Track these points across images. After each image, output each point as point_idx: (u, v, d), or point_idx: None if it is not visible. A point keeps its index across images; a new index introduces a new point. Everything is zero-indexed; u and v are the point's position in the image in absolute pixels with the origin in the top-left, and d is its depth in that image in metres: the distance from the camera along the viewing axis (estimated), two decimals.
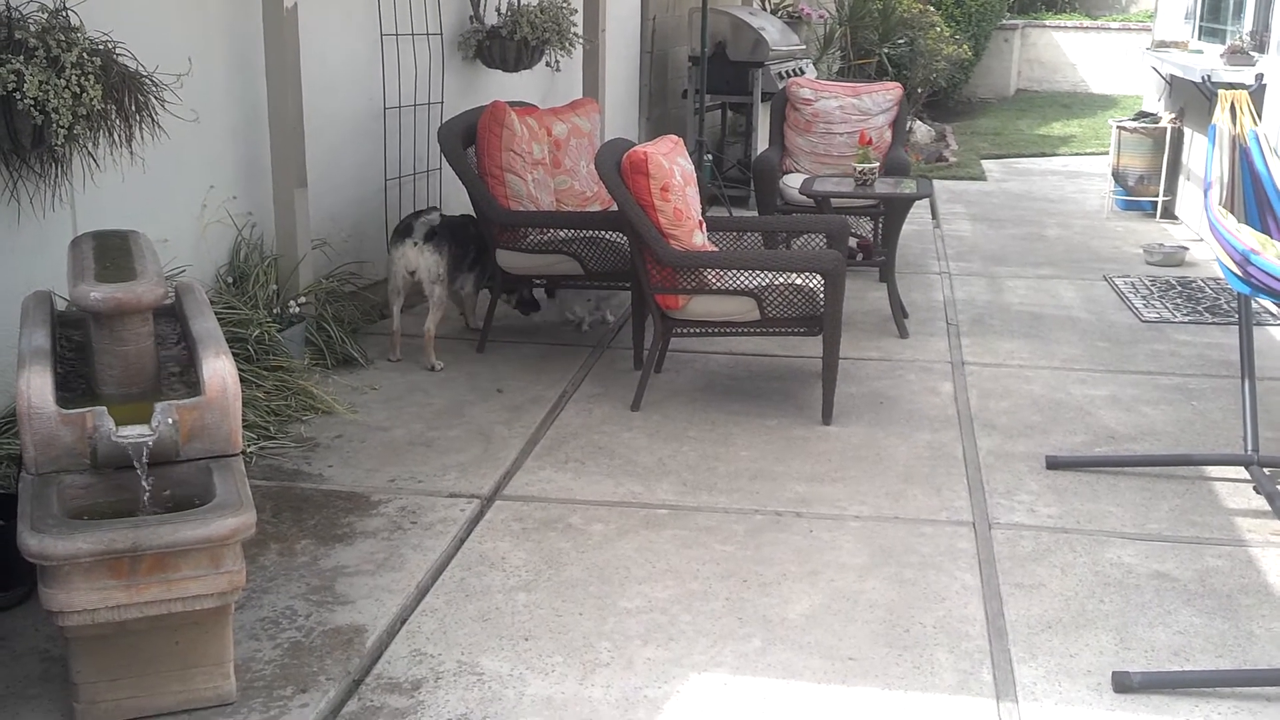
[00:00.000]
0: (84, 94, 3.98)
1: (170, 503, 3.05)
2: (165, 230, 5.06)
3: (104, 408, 2.98)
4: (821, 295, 4.91)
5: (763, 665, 3.25)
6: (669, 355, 5.67)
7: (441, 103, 6.78)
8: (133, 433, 2.94)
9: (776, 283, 4.95)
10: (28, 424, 2.90)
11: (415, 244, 5.46)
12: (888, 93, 7.60)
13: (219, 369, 3.07)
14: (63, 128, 3.93)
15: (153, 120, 4.41)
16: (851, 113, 7.54)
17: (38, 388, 2.91)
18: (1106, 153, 11.56)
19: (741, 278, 4.94)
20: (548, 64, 7.38)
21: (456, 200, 6.63)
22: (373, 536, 3.97)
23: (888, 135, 7.54)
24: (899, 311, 6.25)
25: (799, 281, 4.95)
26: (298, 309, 5.36)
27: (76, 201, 4.61)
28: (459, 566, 3.79)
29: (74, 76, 3.96)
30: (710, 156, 9.11)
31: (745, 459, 4.63)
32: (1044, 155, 12.74)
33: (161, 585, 2.77)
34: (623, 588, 3.66)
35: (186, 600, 2.81)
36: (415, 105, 6.61)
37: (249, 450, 4.56)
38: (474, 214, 5.87)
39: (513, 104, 6.01)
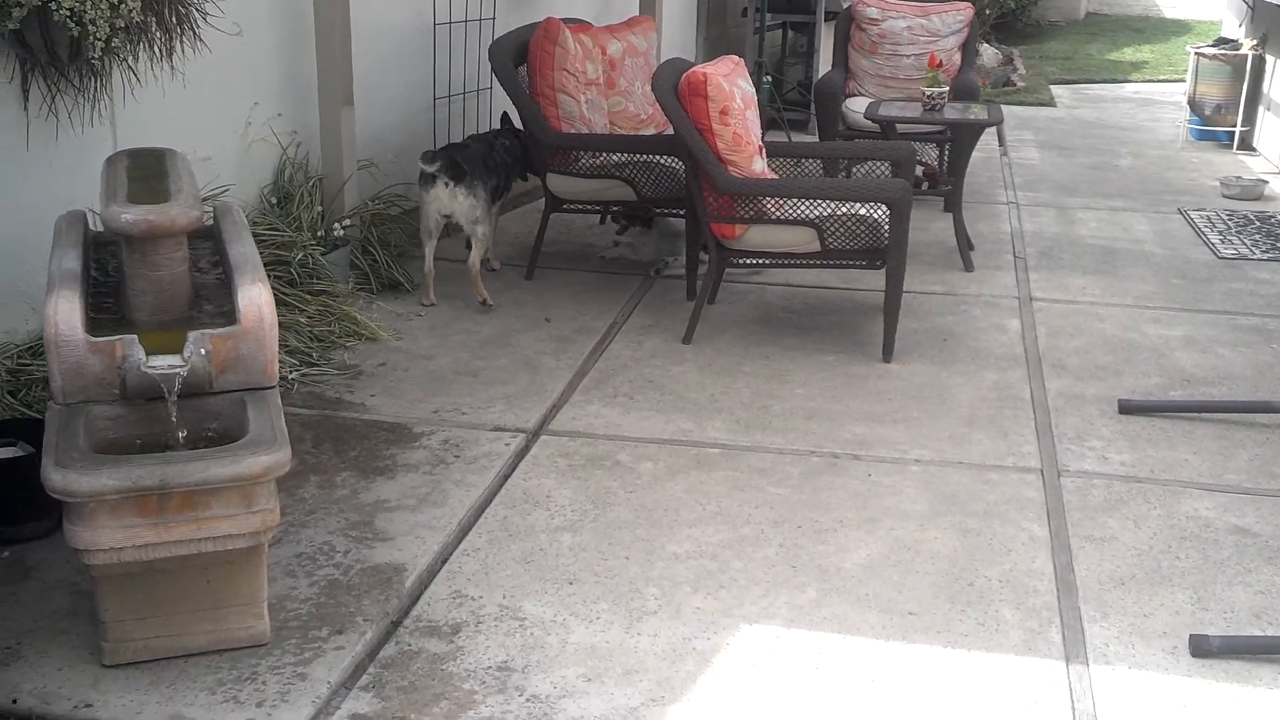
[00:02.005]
0: (122, 4, 3.82)
1: (202, 436, 2.93)
2: (208, 148, 4.92)
3: (134, 336, 2.85)
4: (886, 227, 4.69)
5: (818, 618, 3.10)
6: (723, 286, 5.47)
7: (494, 18, 6.56)
8: (163, 363, 2.81)
9: (839, 213, 4.72)
10: (55, 351, 2.78)
11: (447, 185, 5.08)
12: (958, 13, 7.27)
13: (255, 297, 2.93)
14: (100, 40, 3.77)
15: (194, 33, 4.25)
16: (920, 34, 7.22)
17: (65, 313, 2.78)
18: (1180, 80, 11.14)
19: (802, 207, 4.73)
20: None
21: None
22: (415, 470, 3.85)
23: (957, 58, 7.22)
24: (965, 243, 6.00)
25: (863, 212, 4.72)
26: (342, 232, 5.22)
27: (117, 117, 4.46)
28: (502, 504, 3.66)
29: None
30: (769, 78, 8.82)
31: (801, 397, 4.45)
32: (1115, 81, 12.27)
33: (191, 524, 2.65)
34: (671, 531, 3.51)
35: (217, 540, 2.69)
36: (466, 21, 6.39)
37: (290, 377, 4.45)
38: (502, 125, 5.74)
39: (566, 21, 5.78)
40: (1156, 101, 11.13)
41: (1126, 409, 4.35)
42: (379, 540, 3.43)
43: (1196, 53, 9.08)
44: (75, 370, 2.80)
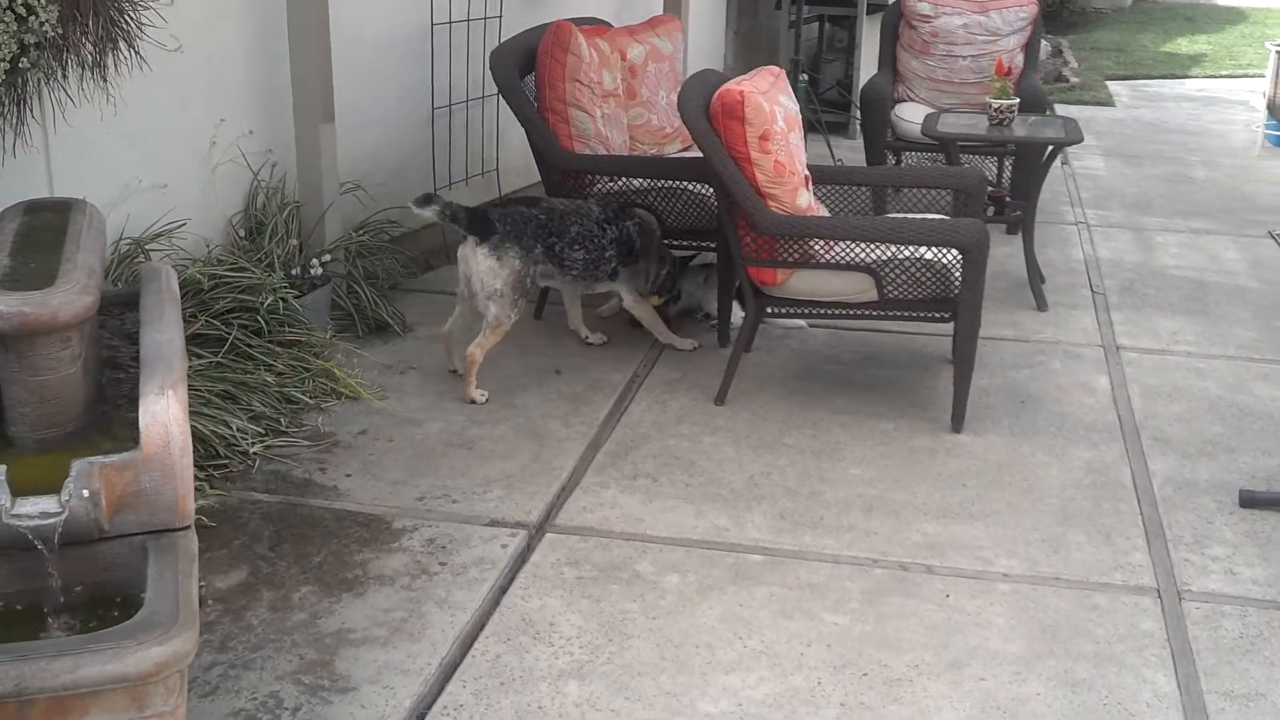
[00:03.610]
0: (32, 16, 3.12)
1: (89, 596, 2.24)
2: (163, 174, 4.24)
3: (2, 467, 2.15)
4: (957, 274, 3.95)
5: None
6: (760, 328, 4.73)
7: (500, 16, 5.83)
8: (33, 511, 2.11)
9: (900, 257, 3.99)
10: None
11: (473, 243, 4.12)
12: (1020, 9, 6.50)
13: (160, 414, 2.22)
14: (2, 60, 3.07)
15: (129, 46, 3.55)
16: (977, 32, 6.45)
17: None
18: (1245, 76, 10.33)
19: (856, 249, 3.99)
20: None
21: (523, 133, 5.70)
22: (390, 583, 3.15)
23: (1019, 60, 6.46)
24: (1036, 277, 5.25)
25: (929, 256, 3.98)
26: (321, 269, 4.51)
27: (50, 144, 3.78)
28: (495, 635, 2.96)
29: None
30: (806, 76, 8.06)
31: (857, 480, 3.73)
32: (1174, 77, 11.46)
33: None
34: (705, 679, 2.80)
35: None
36: (469, 20, 5.66)
37: (251, 451, 3.75)
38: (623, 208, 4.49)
39: (580, 22, 5.04)
40: (1222, 100, 10.31)
41: (1249, 501, 3.61)
42: (338, 690, 2.74)
43: (1277, 50, 8.27)
44: None
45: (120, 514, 2.22)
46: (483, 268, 4.09)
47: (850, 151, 7.96)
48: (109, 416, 2.45)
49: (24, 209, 2.75)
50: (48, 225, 2.65)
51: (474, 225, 4.10)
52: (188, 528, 2.29)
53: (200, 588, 3.05)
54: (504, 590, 3.15)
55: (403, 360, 4.53)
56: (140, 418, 2.22)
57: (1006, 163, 6.03)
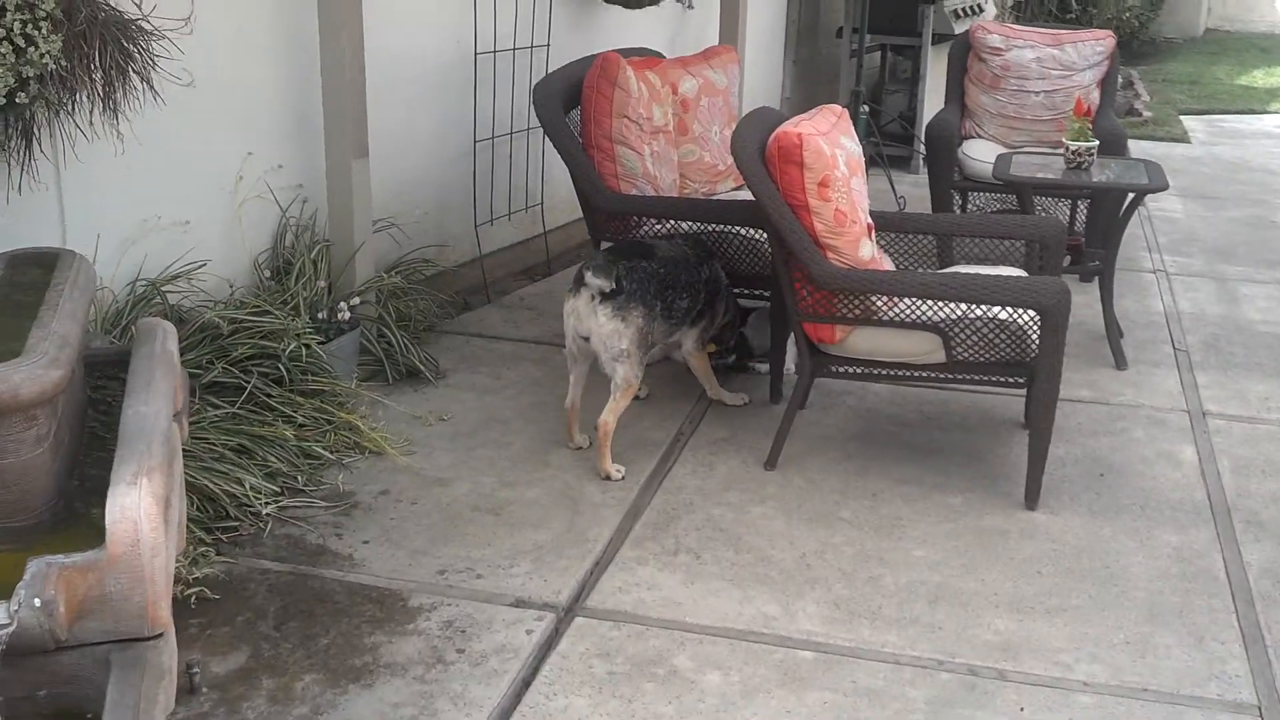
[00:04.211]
0: (31, 48, 2.88)
1: (49, 711, 1.96)
2: (185, 210, 4.01)
3: None
4: (1034, 336, 3.61)
5: None
6: (816, 381, 4.41)
7: (547, 45, 5.57)
8: None
9: (972, 316, 3.66)
10: None
11: (591, 300, 3.73)
12: (1098, 43, 6.13)
13: (130, 508, 1.95)
14: None
15: (142, 79, 3.30)
16: (1051, 66, 6.10)
17: None
18: None
19: (923, 307, 3.66)
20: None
21: None
22: (402, 674, 2.86)
23: (1095, 96, 6.09)
24: (1115, 333, 4.88)
25: (1003, 316, 3.65)
26: (349, 313, 4.24)
27: (62, 180, 3.55)
28: None
29: (16, 22, 2.85)
30: (867, 108, 7.72)
31: (921, 563, 3.39)
32: (1253, 113, 10.98)
33: None
34: None
35: None
36: (515, 49, 5.40)
37: (265, 513, 3.49)
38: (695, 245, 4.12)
39: (630, 53, 4.77)
40: None
41: None
42: None
43: None
44: None
45: (82, 621, 1.95)
46: (606, 329, 3.71)
47: (912, 188, 7.61)
48: (84, 504, 2.19)
49: (7, 261, 2.52)
50: (28, 282, 2.40)
51: (605, 290, 3.70)
52: (159, 637, 2.01)
53: (194, 673, 2.78)
54: (526, 685, 2.85)
55: (433, 410, 4.25)
56: (107, 512, 1.95)
57: (1081, 205, 5.66)
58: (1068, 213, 5.74)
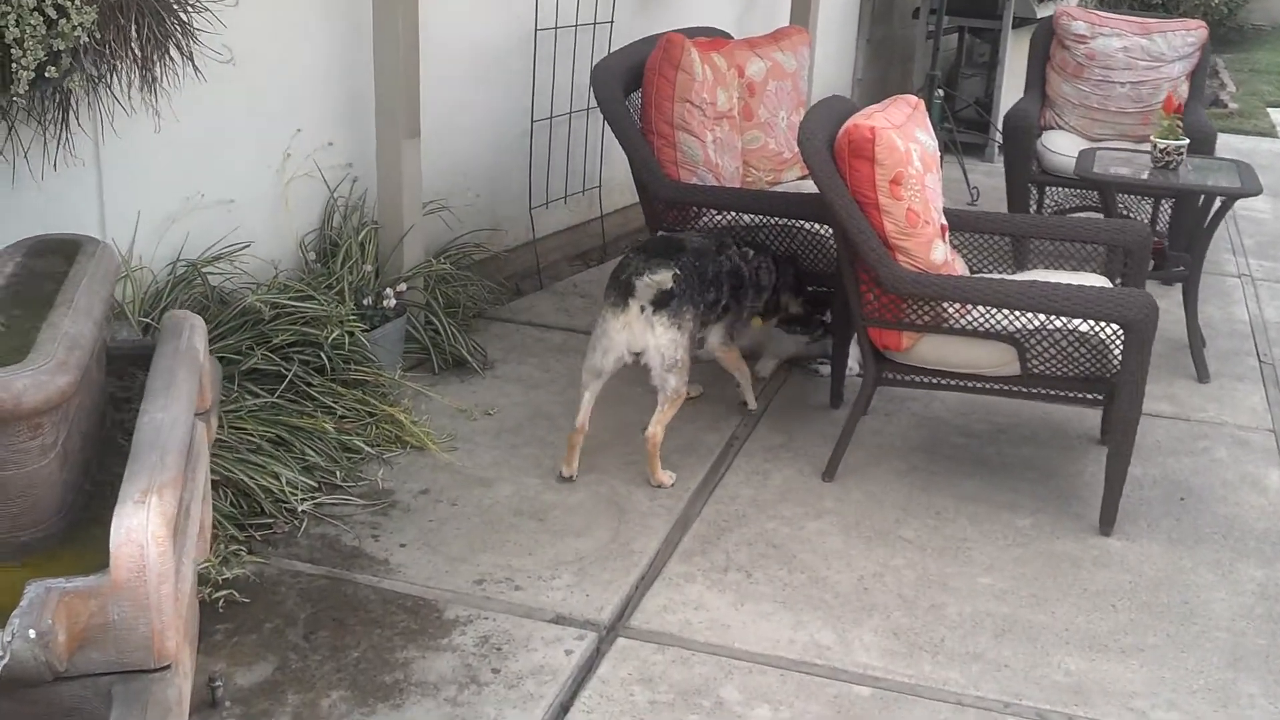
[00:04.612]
0: (63, 20, 2.73)
1: None
2: (230, 188, 3.88)
3: None
4: (1117, 351, 3.38)
5: None
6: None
7: (611, 22, 5.37)
8: None
9: (1050, 327, 3.43)
10: None
11: (643, 310, 3.48)
12: (1189, 33, 5.83)
13: (136, 531, 1.80)
14: (25, 69, 2.69)
15: (181, 52, 3.16)
16: (1139, 56, 5.80)
17: None
18: None
19: (998, 315, 3.44)
20: None
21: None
22: (434, 694, 2.71)
23: (1183, 89, 5.80)
24: (1198, 342, 4.62)
25: (1084, 329, 3.42)
26: (395, 300, 4.09)
27: (101, 156, 3.43)
28: None
29: None
30: (941, 92, 7.43)
31: (986, 591, 3.19)
32: None
33: None
34: None
35: None
36: (577, 25, 5.21)
37: (300, 510, 3.35)
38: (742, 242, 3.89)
39: (695, 33, 4.56)
40: None
41: None
42: None
43: None
44: None
45: (83, 650, 1.82)
46: (664, 340, 3.46)
47: (985, 177, 7.34)
48: (101, 514, 2.04)
49: (26, 248, 2.38)
50: (46, 272, 2.26)
51: (657, 298, 3.47)
52: (165, 669, 1.87)
53: (216, 686, 2.65)
54: (564, 710, 2.69)
55: (479, 404, 4.10)
56: (112, 533, 1.81)
57: (1165, 205, 5.38)
58: (1150, 211, 5.45)
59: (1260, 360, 4.79)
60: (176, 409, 2.11)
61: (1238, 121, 9.37)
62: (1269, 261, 6.09)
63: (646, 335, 3.48)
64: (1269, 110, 9.99)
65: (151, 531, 1.81)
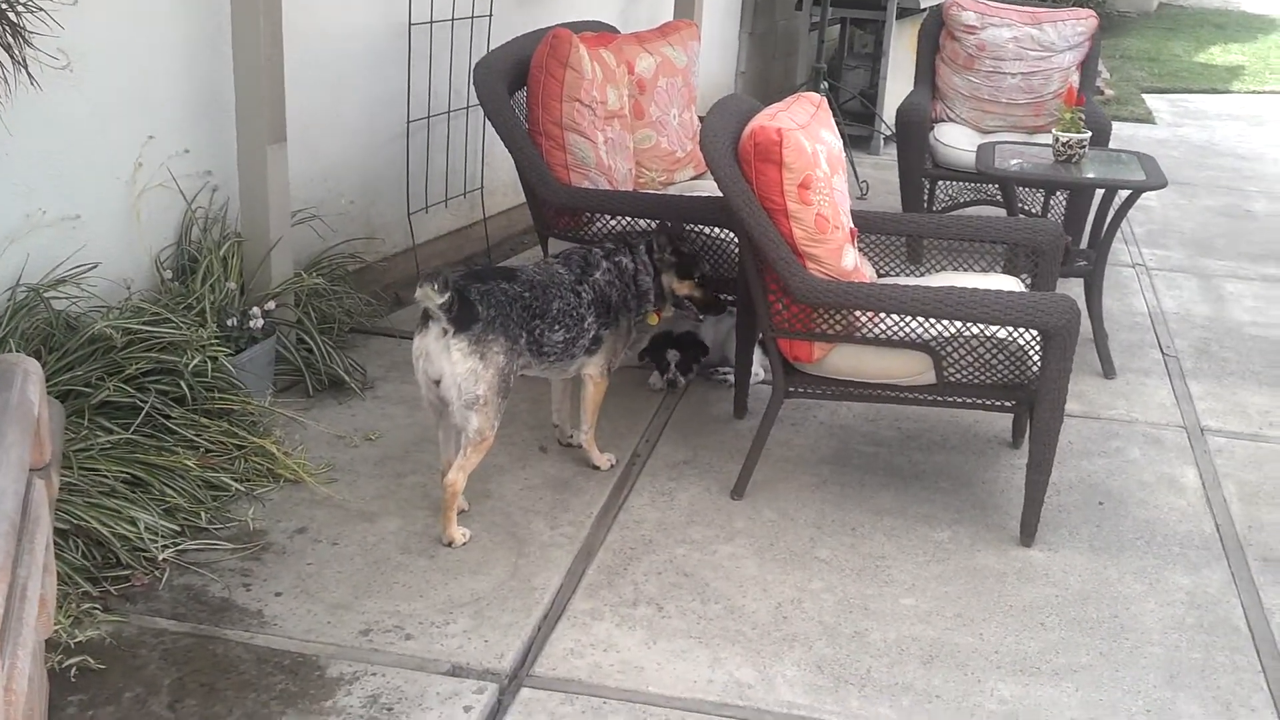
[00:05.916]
0: None
1: None
2: (75, 203, 3.52)
3: None
4: (1035, 357, 3.23)
5: None
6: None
7: (490, 15, 5.09)
8: None
9: (967, 334, 3.27)
10: None
11: (445, 333, 3.06)
12: (1078, 24, 5.76)
13: None
14: None
15: (15, 60, 2.80)
16: (1029, 46, 5.72)
17: None
18: None
19: (911, 324, 3.27)
20: None
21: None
22: None
23: (1074, 79, 5.72)
24: (1103, 337, 4.53)
25: (1001, 335, 3.26)
26: (262, 320, 3.77)
27: None
28: None
29: None
30: (826, 84, 7.30)
31: (910, 614, 3.01)
32: (1215, 92, 10.74)
33: None
34: None
35: None
36: (453, 20, 4.92)
37: (161, 558, 3.02)
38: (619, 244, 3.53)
39: (581, 27, 4.32)
40: (1270, 119, 9.62)
41: None
42: None
43: None
44: None
45: None
46: (460, 370, 3.05)
47: (873, 170, 7.23)
48: None
49: None
50: None
51: (460, 319, 3.04)
52: None
53: None
54: None
55: (359, 428, 3.81)
56: None
57: (1059, 197, 5.29)
58: (1042, 203, 5.37)
59: (1164, 353, 4.73)
60: (3, 480, 1.80)
61: (1115, 108, 9.46)
62: (1160, 250, 6.08)
63: (442, 361, 3.06)
64: (1144, 96, 10.12)
65: None
